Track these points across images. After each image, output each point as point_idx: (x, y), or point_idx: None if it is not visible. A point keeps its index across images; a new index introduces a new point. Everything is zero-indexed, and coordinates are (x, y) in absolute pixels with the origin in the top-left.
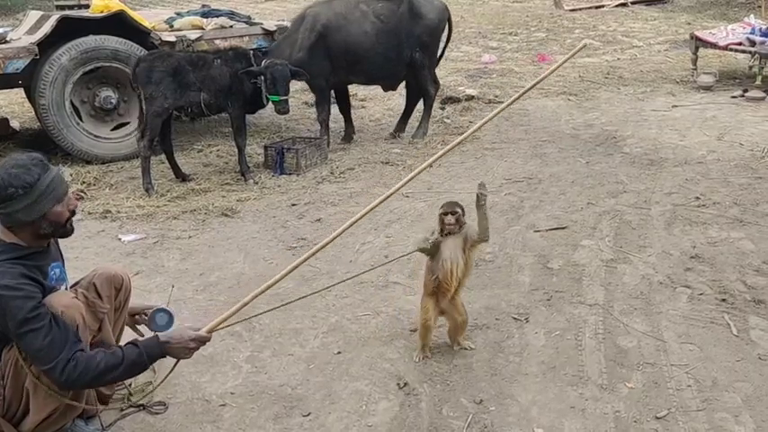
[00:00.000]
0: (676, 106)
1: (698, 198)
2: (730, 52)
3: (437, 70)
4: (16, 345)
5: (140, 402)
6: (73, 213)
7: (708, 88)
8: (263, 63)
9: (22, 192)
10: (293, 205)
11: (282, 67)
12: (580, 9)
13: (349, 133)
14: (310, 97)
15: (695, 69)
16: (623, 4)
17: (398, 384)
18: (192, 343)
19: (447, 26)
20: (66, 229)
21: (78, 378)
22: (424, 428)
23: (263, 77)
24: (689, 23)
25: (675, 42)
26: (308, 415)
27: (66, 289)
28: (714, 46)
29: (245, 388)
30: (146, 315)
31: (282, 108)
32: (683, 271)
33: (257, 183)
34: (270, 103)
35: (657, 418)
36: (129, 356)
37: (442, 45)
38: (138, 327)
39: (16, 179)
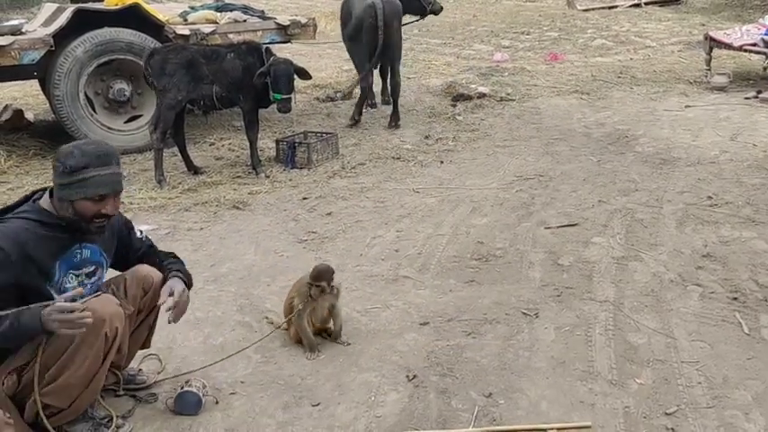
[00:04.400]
0: (689, 106)
1: (710, 197)
2: (744, 53)
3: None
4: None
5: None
6: (102, 216)
7: (721, 89)
8: (269, 61)
9: (62, 169)
10: (304, 199)
11: (286, 65)
12: (593, 9)
13: (387, 95)
14: (321, 93)
15: (709, 70)
16: (637, 5)
17: (407, 376)
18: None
19: (376, 24)
20: (87, 226)
21: None
22: (433, 420)
23: (268, 75)
24: (703, 24)
25: (689, 43)
26: (318, 405)
27: (96, 276)
28: (728, 47)
29: (254, 377)
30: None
31: (284, 107)
32: (694, 269)
33: (268, 176)
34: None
35: (667, 414)
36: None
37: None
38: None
39: (68, 157)
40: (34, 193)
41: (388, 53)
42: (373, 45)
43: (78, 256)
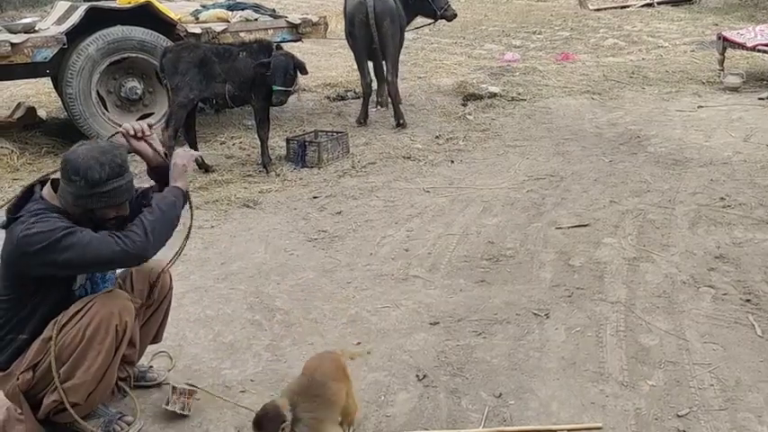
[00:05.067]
0: (702, 107)
1: (723, 199)
2: (758, 53)
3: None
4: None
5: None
6: (118, 219)
7: (734, 89)
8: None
9: (83, 183)
10: (314, 198)
11: (285, 59)
12: (605, 9)
13: (382, 94)
14: (332, 92)
15: (722, 70)
16: (649, 5)
17: (417, 376)
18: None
19: (366, 22)
20: (102, 225)
21: (148, 250)
22: (443, 420)
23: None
24: (716, 24)
25: (702, 43)
26: None
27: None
28: (742, 47)
29: (264, 375)
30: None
31: (276, 98)
32: (706, 271)
33: (279, 175)
34: (293, 95)
35: (679, 416)
36: (165, 200)
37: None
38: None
39: (86, 170)
40: (32, 187)
41: (382, 51)
42: (365, 43)
43: None
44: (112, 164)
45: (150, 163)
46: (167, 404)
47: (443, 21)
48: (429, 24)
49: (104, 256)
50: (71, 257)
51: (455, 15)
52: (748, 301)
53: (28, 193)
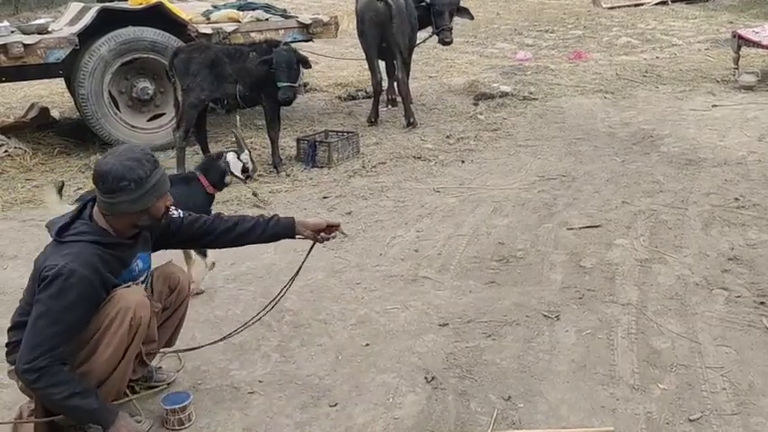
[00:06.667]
0: (716, 106)
1: (737, 199)
2: None
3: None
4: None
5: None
6: (167, 210)
7: (749, 88)
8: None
9: (134, 185)
10: (324, 198)
11: (287, 52)
12: (619, 7)
13: (390, 95)
14: (342, 92)
15: (737, 69)
16: (663, 3)
17: (426, 378)
18: None
19: (376, 20)
20: (160, 223)
21: (33, 383)
22: (451, 422)
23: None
24: (731, 22)
25: (717, 41)
26: (335, 405)
27: (145, 279)
28: (757, 45)
29: (273, 377)
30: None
31: (284, 95)
32: (720, 272)
33: (289, 175)
34: (302, 94)
35: (690, 420)
36: (84, 404)
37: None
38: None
39: (130, 172)
40: (84, 205)
41: (391, 50)
42: (376, 41)
43: (136, 268)
44: (146, 157)
45: None
46: (166, 423)
47: (456, 20)
48: (426, 39)
49: (31, 336)
50: (35, 314)
51: (446, 42)
52: (762, 303)
53: (82, 208)
